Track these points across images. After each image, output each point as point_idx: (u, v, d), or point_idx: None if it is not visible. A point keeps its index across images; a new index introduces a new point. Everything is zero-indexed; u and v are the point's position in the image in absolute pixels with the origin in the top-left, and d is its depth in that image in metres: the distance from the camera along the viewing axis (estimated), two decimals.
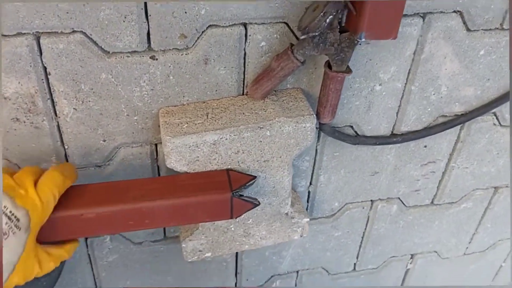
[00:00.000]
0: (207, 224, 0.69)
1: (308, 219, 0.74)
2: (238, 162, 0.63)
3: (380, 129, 0.76)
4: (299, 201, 0.76)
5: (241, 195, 0.61)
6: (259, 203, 0.62)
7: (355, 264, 1.00)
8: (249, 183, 0.61)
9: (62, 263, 0.70)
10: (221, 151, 0.61)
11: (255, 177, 0.63)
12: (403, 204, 0.90)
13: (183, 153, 0.60)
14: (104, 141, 0.65)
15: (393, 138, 0.77)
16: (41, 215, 0.54)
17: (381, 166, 0.82)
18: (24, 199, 0.52)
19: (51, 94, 0.59)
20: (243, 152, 0.62)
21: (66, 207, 0.56)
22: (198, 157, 0.61)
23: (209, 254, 0.72)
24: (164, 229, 0.79)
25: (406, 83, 0.72)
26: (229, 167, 0.63)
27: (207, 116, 0.62)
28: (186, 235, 0.70)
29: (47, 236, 0.55)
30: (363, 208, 0.89)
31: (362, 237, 0.95)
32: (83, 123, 0.62)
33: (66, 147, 0.64)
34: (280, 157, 0.65)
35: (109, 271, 0.81)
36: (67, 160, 0.66)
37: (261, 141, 0.62)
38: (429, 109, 0.76)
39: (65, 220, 0.56)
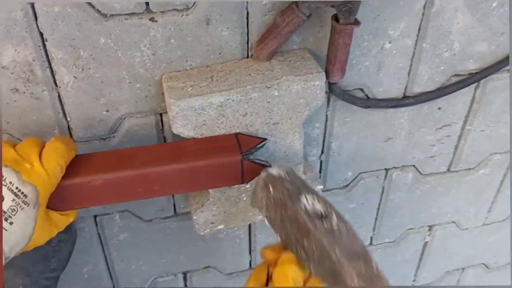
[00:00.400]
0: (218, 194, 0.66)
1: (322, 187, 0.72)
2: (247, 125, 0.61)
3: (392, 91, 0.74)
4: (311, 170, 0.74)
5: (252, 158, 0.58)
6: (271, 166, 0.60)
7: (371, 237, 0.97)
8: (259, 145, 0.59)
9: (73, 243, 0.69)
10: (228, 114, 0.59)
11: (265, 139, 0.60)
12: (419, 172, 0.88)
13: (189, 117, 0.58)
14: (107, 111, 0.63)
15: (405, 100, 0.74)
16: (49, 189, 0.52)
17: (394, 131, 0.79)
18: (30, 174, 0.50)
19: (49, 62, 0.57)
20: (251, 114, 0.60)
21: (72, 175, 0.54)
22: (204, 121, 0.59)
23: (221, 227, 0.70)
24: (174, 204, 0.77)
25: (417, 40, 0.69)
26: (237, 131, 0.61)
27: (212, 79, 0.60)
28: (197, 207, 0.68)
29: (54, 206, 0.53)
30: (378, 177, 0.86)
31: (378, 209, 0.92)
32: (84, 92, 0.60)
33: (68, 119, 0.62)
34: (290, 118, 0.62)
35: (120, 250, 0.80)
36: (70, 134, 0.64)
37: (269, 102, 0.60)
38: (442, 68, 0.73)
39: (72, 188, 0.54)
